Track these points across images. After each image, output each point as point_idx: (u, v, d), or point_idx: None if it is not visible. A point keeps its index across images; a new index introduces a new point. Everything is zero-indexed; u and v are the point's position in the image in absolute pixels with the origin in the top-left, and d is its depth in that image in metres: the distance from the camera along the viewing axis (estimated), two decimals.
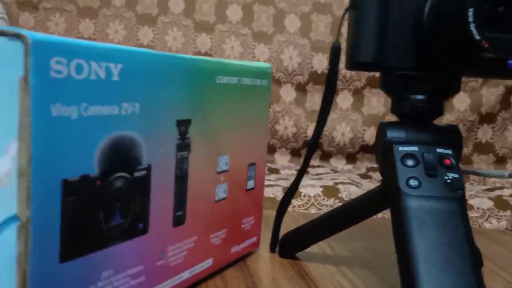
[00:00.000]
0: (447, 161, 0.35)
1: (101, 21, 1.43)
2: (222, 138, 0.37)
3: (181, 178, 0.33)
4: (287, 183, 1.07)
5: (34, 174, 0.23)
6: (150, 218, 0.31)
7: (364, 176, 1.29)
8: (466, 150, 1.43)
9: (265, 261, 0.43)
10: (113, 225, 0.28)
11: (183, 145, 0.33)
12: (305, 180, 1.13)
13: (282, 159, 1.45)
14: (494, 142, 1.42)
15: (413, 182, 0.34)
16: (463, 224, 0.33)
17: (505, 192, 1.03)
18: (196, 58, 0.34)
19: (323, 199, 0.98)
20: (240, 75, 0.39)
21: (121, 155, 0.28)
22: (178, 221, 0.34)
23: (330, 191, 1.01)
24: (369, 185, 1.12)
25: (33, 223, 0.23)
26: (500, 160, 1.42)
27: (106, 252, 0.28)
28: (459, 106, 1.41)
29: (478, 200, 0.98)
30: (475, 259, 0.32)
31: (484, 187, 1.13)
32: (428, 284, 0.31)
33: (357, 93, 1.44)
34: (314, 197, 0.98)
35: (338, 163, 1.44)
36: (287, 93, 1.48)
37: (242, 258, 0.44)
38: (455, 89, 0.37)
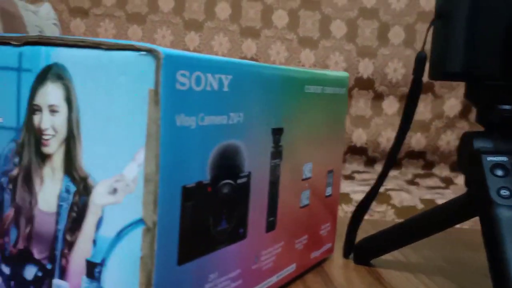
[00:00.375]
0: None
1: (148, 26, 1.46)
2: (307, 146, 0.38)
3: (274, 185, 0.34)
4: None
5: (161, 181, 0.24)
6: (248, 223, 0.32)
7: (411, 182, 1.28)
8: None
9: (341, 267, 0.44)
10: (220, 230, 0.29)
11: (277, 153, 0.34)
12: (353, 186, 1.13)
13: None
14: None
15: (504, 192, 0.34)
16: None
17: None
18: (288, 68, 0.35)
19: (375, 205, 0.98)
20: (324, 84, 0.40)
21: (228, 163, 0.29)
22: (270, 226, 0.35)
23: (382, 197, 1.00)
24: (418, 192, 1.11)
25: (159, 227, 0.25)
26: None
27: (213, 255, 0.29)
28: None
29: None
30: None
31: None
32: None
33: (404, 99, 1.43)
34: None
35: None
36: None
37: (319, 263, 0.44)
38: None
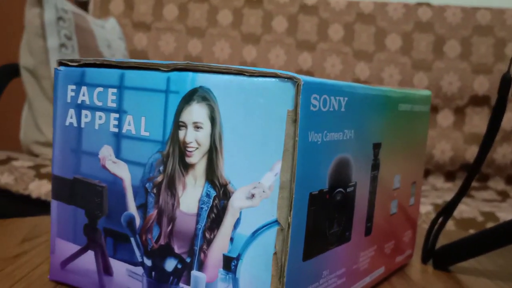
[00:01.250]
0: None
1: (207, 40, 1.52)
2: (397, 159, 0.42)
3: (372, 194, 0.38)
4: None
5: (296, 188, 0.29)
6: (352, 227, 0.36)
7: (467, 195, 1.29)
8: None
9: (422, 271, 0.47)
10: (332, 232, 0.33)
11: (375, 165, 0.38)
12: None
13: None
14: None
15: None
16: None
17: None
18: (386, 88, 0.39)
19: (434, 215, 1.00)
20: (413, 102, 0.43)
21: (341, 173, 0.33)
22: (368, 231, 0.38)
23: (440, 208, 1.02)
24: (475, 204, 1.12)
25: (291, 228, 0.29)
26: None
27: (327, 254, 0.33)
28: None
29: None
30: None
31: None
32: None
33: (459, 112, 1.43)
34: (425, 214, 1.00)
35: (437, 180, 1.44)
36: None
37: (401, 268, 0.48)
38: None
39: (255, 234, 0.30)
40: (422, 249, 0.50)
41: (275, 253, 0.29)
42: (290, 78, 0.28)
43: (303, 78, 0.28)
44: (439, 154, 1.45)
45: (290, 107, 0.28)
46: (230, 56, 1.52)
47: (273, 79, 0.29)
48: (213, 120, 0.31)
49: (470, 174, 0.45)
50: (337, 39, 1.48)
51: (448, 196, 1.18)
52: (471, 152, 1.42)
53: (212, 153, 0.31)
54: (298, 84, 0.28)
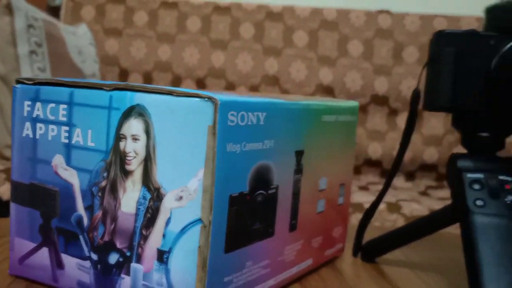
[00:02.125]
0: (508, 186, 0.43)
1: (177, 45, 1.57)
2: (323, 164, 0.47)
3: (296, 195, 0.43)
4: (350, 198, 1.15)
5: (216, 191, 0.34)
6: (276, 224, 0.41)
7: (423, 193, 1.36)
8: None
9: (350, 263, 0.53)
10: (254, 229, 0.38)
11: (298, 170, 0.43)
12: (367, 197, 1.21)
13: None
14: None
15: (479, 202, 0.43)
16: None
17: None
18: (309, 102, 0.44)
19: (387, 214, 1.06)
20: (337, 113, 0.49)
21: (262, 178, 0.38)
22: (293, 227, 0.44)
23: (394, 207, 1.08)
24: (428, 203, 1.19)
25: (213, 225, 0.34)
26: None
27: (249, 248, 0.38)
28: None
29: None
30: None
31: None
32: (490, 284, 0.39)
33: (419, 114, 1.50)
34: (378, 213, 1.06)
35: (397, 180, 1.51)
36: None
37: (331, 260, 0.53)
38: None
39: (183, 230, 0.35)
40: (353, 244, 0.56)
41: (199, 247, 0.34)
42: (209, 98, 0.33)
43: (221, 98, 0.33)
44: None
45: (210, 122, 0.33)
46: (199, 61, 1.57)
47: (196, 99, 0.34)
48: (148, 133, 0.36)
49: (390, 177, 0.51)
50: (302, 45, 1.54)
51: (405, 195, 1.24)
52: (429, 153, 1.49)
53: (147, 162, 0.36)
54: (215, 104, 0.33)
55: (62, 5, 1.65)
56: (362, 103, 1.50)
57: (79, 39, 1.46)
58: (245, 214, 0.37)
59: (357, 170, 1.51)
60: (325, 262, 0.52)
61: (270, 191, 0.40)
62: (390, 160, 1.50)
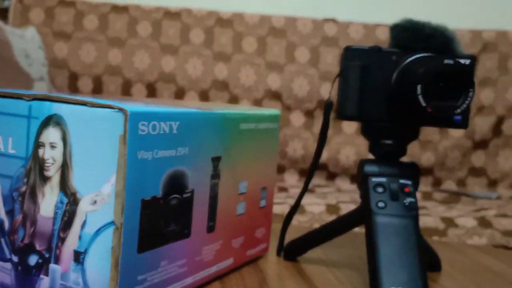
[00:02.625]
0: (407, 189, 0.48)
1: (127, 50, 1.58)
2: (243, 169, 0.51)
3: (213, 198, 0.46)
4: (293, 201, 1.19)
5: (127, 196, 0.36)
6: (192, 226, 0.44)
7: None
8: (461, 174, 1.55)
9: (272, 262, 0.56)
10: (169, 230, 0.41)
11: (215, 175, 0.46)
12: (311, 199, 1.26)
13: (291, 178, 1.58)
14: (486, 167, 1.54)
15: (380, 204, 0.47)
16: (415, 235, 0.46)
17: (490, 213, 1.15)
18: (226, 112, 0.47)
19: (326, 216, 1.10)
20: (257, 121, 0.52)
21: (176, 183, 0.41)
22: (210, 229, 0.47)
23: (332, 209, 1.13)
24: None
25: (124, 227, 0.37)
26: (492, 183, 1.54)
27: (164, 248, 0.41)
28: (454, 133, 1.54)
29: (464, 219, 1.10)
30: (422, 259, 0.44)
31: (473, 208, 1.25)
32: (388, 277, 0.43)
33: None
34: (318, 214, 1.10)
35: (343, 183, 1.57)
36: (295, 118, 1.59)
37: (255, 259, 0.56)
38: (415, 136, 0.50)
39: (97, 232, 0.37)
40: (277, 244, 0.59)
41: (112, 248, 0.37)
42: (120, 109, 0.36)
43: (131, 109, 0.36)
44: (345, 159, 1.57)
45: (121, 132, 0.36)
46: (149, 66, 1.58)
47: (108, 110, 0.36)
48: (65, 141, 0.38)
49: (308, 179, 0.54)
50: (250, 51, 1.57)
51: (346, 198, 1.29)
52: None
53: (64, 168, 0.38)
54: (126, 114, 0.36)
55: (10, 8, 1.64)
56: (309, 108, 1.55)
57: (26, 42, 1.45)
58: (159, 217, 0.40)
59: (305, 173, 1.56)
60: (248, 262, 0.55)
61: (185, 195, 0.42)
62: (336, 163, 1.55)
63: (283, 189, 1.44)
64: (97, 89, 1.59)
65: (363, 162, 0.50)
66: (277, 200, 1.18)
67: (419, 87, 0.43)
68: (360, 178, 0.50)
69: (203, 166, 0.44)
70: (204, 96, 1.57)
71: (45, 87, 1.45)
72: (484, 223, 1.07)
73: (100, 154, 0.37)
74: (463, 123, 0.48)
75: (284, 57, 1.57)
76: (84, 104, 0.37)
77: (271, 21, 1.59)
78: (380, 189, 0.48)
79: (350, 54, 0.49)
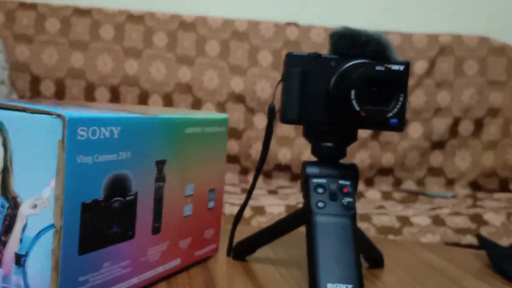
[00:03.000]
0: (345, 190, 0.50)
1: (90, 53, 1.57)
2: (189, 172, 0.52)
3: (158, 201, 0.48)
4: (254, 203, 1.21)
5: (65, 199, 0.37)
6: (136, 228, 0.45)
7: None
8: (420, 173, 1.59)
9: (221, 262, 0.58)
10: (111, 232, 0.42)
11: (160, 178, 0.48)
12: (273, 200, 1.28)
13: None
14: (444, 167, 1.59)
15: (320, 204, 0.49)
16: (352, 233, 0.48)
17: (444, 211, 1.19)
18: (170, 116, 0.49)
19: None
20: (203, 125, 0.54)
21: (118, 186, 0.42)
22: (156, 230, 0.48)
23: (292, 209, 1.15)
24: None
25: (64, 229, 0.38)
26: (450, 183, 1.59)
27: (107, 250, 0.42)
28: (413, 134, 1.58)
29: (419, 218, 1.13)
30: (358, 256, 0.47)
31: (429, 206, 1.29)
32: (325, 274, 0.45)
33: None
34: (277, 215, 1.13)
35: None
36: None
37: (204, 260, 0.58)
38: (354, 139, 0.52)
39: (38, 235, 0.38)
40: (227, 244, 0.61)
41: (52, 250, 0.38)
42: (58, 115, 0.37)
43: (70, 115, 0.37)
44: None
45: (60, 137, 0.37)
46: (112, 69, 1.58)
47: (47, 116, 0.37)
48: (5, 146, 0.39)
49: (253, 183, 0.56)
50: (214, 54, 1.59)
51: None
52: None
53: (5, 173, 0.39)
54: (64, 120, 0.37)
55: None
56: None
57: None
58: (101, 219, 0.41)
59: (268, 175, 1.58)
60: (197, 262, 0.56)
61: (128, 198, 0.44)
62: (299, 164, 1.58)
63: (246, 191, 1.45)
64: (60, 93, 1.58)
65: (305, 164, 0.52)
66: (239, 202, 1.20)
67: (353, 92, 0.46)
68: (302, 179, 0.52)
69: (147, 170, 0.46)
70: (167, 99, 1.57)
71: (5, 91, 1.43)
72: (437, 221, 1.11)
73: (40, 159, 0.38)
74: (399, 126, 0.50)
75: (247, 60, 1.59)
76: (24, 110, 0.38)
77: (234, 24, 1.61)
78: (320, 190, 0.50)
79: (291, 60, 0.51)
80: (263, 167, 1.58)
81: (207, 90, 1.58)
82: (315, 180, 0.50)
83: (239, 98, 1.58)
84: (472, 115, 1.57)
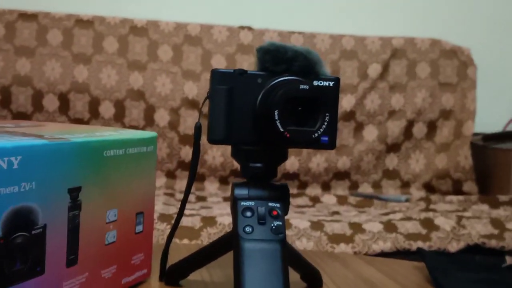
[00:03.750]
0: (275, 212, 0.48)
1: (37, 59, 1.52)
2: (111, 196, 0.49)
3: (73, 231, 0.45)
4: (206, 212, 1.19)
5: None
6: (47, 262, 0.42)
7: None
8: (375, 176, 1.59)
9: None
10: (14, 270, 0.39)
11: (74, 206, 0.44)
12: (226, 208, 1.25)
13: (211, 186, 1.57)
14: (399, 169, 1.59)
15: (248, 229, 0.47)
16: (282, 259, 0.46)
17: (396, 216, 1.19)
18: (84, 140, 0.45)
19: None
20: (126, 146, 0.51)
21: (20, 220, 0.39)
22: (71, 262, 0.45)
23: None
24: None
25: None
26: (405, 185, 1.59)
27: None
28: (368, 137, 1.58)
29: (371, 224, 1.13)
30: (287, 281, 0.44)
31: (383, 211, 1.29)
32: None
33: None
34: (228, 225, 1.10)
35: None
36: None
37: (135, 286, 0.55)
38: (284, 158, 0.50)
39: None
40: (160, 268, 0.58)
41: None
42: None
43: None
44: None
45: None
46: (61, 75, 1.52)
47: None
48: None
49: (184, 198, 0.53)
50: (166, 59, 1.55)
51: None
52: (290, 162, 1.57)
53: None
54: None
55: None
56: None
57: None
58: (0, 258, 0.38)
59: (224, 181, 1.55)
60: None
61: (34, 232, 0.40)
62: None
63: (201, 199, 1.42)
64: (5, 100, 1.52)
65: (234, 185, 0.50)
66: (190, 212, 1.17)
67: (276, 113, 0.44)
68: (231, 201, 0.50)
69: (58, 199, 0.43)
70: (119, 106, 1.53)
71: None
72: (389, 227, 1.11)
73: None
74: (330, 144, 0.48)
75: (200, 65, 1.56)
76: None
77: (187, 28, 1.57)
78: (248, 213, 0.48)
79: (217, 77, 0.49)
80: (195, 178, 1.56)
81: (160, 96, 1.54)
82: (243, 203, 0.48)
83: (193, 104, 1.55)
84: (425, 117, 1.58)
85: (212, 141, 0.49)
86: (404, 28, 1.68)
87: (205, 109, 0.50)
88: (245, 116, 0.48)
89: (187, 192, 0.53)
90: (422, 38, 1.61)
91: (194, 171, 0.52)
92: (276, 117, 0.44)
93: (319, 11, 1.73)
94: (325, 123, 0.45)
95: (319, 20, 1.71)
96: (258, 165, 0.49)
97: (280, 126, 0.44)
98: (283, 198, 0.49)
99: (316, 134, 0.44)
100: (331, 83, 0.48)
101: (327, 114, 0.44)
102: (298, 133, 0.44)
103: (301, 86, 0.44)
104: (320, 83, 0.48)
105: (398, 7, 1.74)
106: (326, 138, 0.49)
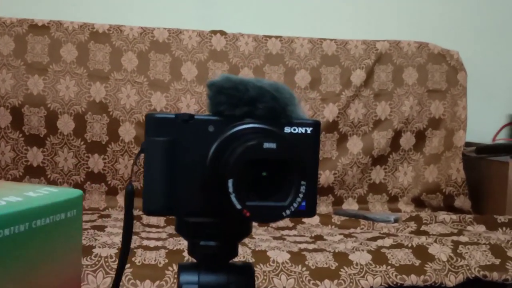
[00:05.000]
0: None
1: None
2: (23, 281, 0.36)
3: None
4: (174, 243, 1.05)
5: None
6: None
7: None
8: (361, 191, 1.48)
9: None
10: None
11: None
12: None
13: None
14: (386, 183, 1.48)
15: None
16: None
17: (386, 242, 1.07)
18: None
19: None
20: (33, 219, 0.38)
21: None
22: None
23: None
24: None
25: None
26: (393, 199, 1.48)
27: None
28: (352, 150, 1.46)
29: (358, 254, 1.01)
30: None
31: (370, 235, 1.17)
32: None
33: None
34: None
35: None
36: None
37: None
38: (247, 232, 0.37)
39: None
40: None
41: None
42: None
43: None
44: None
45: None
46: (12, 88, 1.38)
47: None
48: None
49: (117, 280, 0.41)
50: (131, 68, 1.41)
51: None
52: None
53: None
54: None
55: None
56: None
57: None
58: None
59: None
60: None
61: None
62: None
63: (171, 221, 1.30)
64: None
65: (180, 268, 0.37)
66: (155, 243, 1.04)
67: (230, 183, 0.31)
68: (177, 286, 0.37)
69: None
70: (79, 120, 1.39)
71: None
72: (379, 258, 0.99)
73: None
74: (309, 211, 0.36)
75: (169, 74, 1.42)
76: None
77: (153, 34, 1.44)
78: None
79: (153, 125, 0.36)
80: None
81: (125, 109, 1.41)
82: None
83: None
84: (413, 127, 1.47)
85: (148, 211, 0.36)
86: (388, 32, 1.57)
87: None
88: (192, 177, 0.36)
89: (120, 271, 0.40)
90: (409, 42, 1.49)
91: (127, 247, 0.39)
92: (231, 189, 0.31)
93: (298, 14, 1.60)
94: (300, 194, 0.32)
95: (297, 24, 1.59)
96: (211, 243, 0.37)
97: (236, 202, 0.31)
98: (246, 283, 0.37)
99: (288, 212, 0.32)
100: (309, 130, 0.36)
101: (302, 182, 0.32)
102: (262, 210, 0.31)
103: (266, 145, 0.31)
104: (294, 129, 0.35)
105: (381, 10, 1.62)
106: (304, 204, 0.36)
